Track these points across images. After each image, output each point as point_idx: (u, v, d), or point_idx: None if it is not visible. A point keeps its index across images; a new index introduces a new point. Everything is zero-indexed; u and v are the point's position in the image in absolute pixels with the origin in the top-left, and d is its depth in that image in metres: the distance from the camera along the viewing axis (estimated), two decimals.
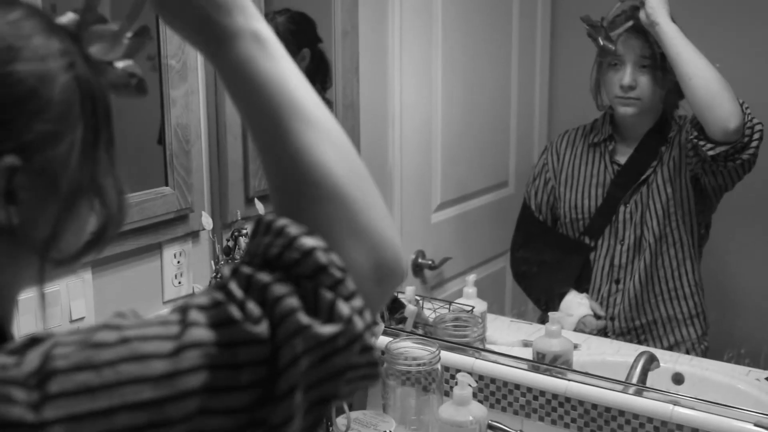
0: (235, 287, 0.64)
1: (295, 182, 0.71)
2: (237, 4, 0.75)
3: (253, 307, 0.63)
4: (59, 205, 0.70)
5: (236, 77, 0.74)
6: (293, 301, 0.63)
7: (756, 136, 1.79)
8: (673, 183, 1.96)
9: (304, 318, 0.63)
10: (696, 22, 2.07)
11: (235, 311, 0.62)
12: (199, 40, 0.76)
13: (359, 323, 0.65)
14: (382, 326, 1.64)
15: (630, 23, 1.92)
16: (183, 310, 0.65)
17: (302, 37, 2.08)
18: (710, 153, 1.81)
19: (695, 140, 1.82)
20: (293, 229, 0.67)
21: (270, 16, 2.00)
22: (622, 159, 2.04)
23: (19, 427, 0.58)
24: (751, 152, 1.80)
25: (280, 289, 0.63)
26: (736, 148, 1.79)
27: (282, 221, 0.68)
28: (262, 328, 0.62)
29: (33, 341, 0.63)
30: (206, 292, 0.65)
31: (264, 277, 0.64)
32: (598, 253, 2.04)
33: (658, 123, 2.01)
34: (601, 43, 1.94)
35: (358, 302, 0.66)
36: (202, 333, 0.62)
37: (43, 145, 0.68)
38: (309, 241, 0.66)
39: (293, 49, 2.03)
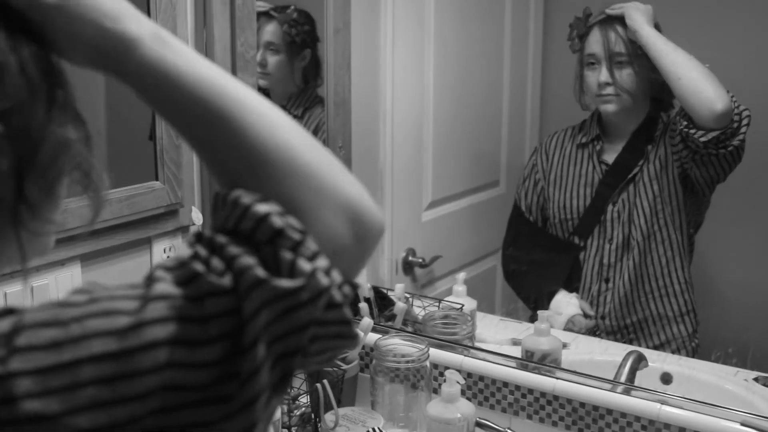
0: (200, 248, 0.65)
1: (251, 168, 0.71)
2: (126, 12, 0.73)
3: (216, 263, 0.64)
4: (35, 172, 0.70)
5: (149, 81, 0.73)
6: (249, 259, 0.64)
7: (744, 121, 1.80)
8: (660, 180, 1.96)
9: (260, 272, 0.64)
10: (688, 18, 2.08)
11: (198, 266, 0.64)
12: (99, 56, 0.73)
13: (324, 280, 0.66)
14: (371, 322, 1.64)
15: (601, 16, 1.97)
16: (149, 273, 0.66)
17: (305, 38, 2.10)
18: (702, 139, 1.81)
19: (685, 129, 1.83)
20: (246, 199, 0.67)
21: (278, 12, 2.02)
22: (609, 159, 2.05)
23: None
24: (741, 138, 1.80)
25: (236, 249, 0.64)
26: (726, 134, 1.79)
27: (235, 193, 0.68)
28: (226, 281, 0.63)
29: (8, 311, 0.64)
30: (172, 258, 0.66)
31: (222, 238, 0.65)
32: (588, 252, 2.05)
33: (645, 122, 2.01)
34: (570, 41, 1.99)
35: (322, 262, 0.67)
36: (167, 287, 0.63)
37: (18, 111, 0.68)
38: (262, 207, 0.67)
39: (296, 50, 2.05)
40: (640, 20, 1.89)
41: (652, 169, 1.98)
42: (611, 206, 2.02)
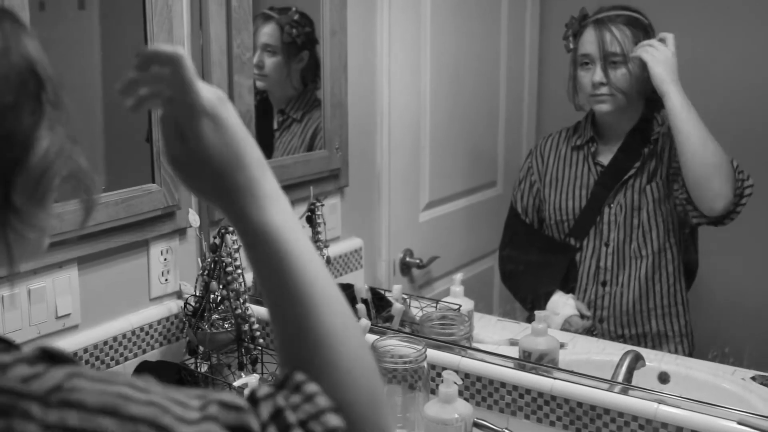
0: (264, 408, 0.69)
1: (311, 350, 0.76)
2: (264, 166, 0.80)
3: (272, 429, 0.68)
4: (23, 178, 0.71)
5: (264, 243, 0.77)
6: None
7: (743, 202, 1.85)
8: (657, 186, 1.96)
9: None
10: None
11: (254, 423, 0.67)
12: (220, 197, 0.79)
13: None
14: (368, 323, 1.64)
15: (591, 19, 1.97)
16: (204, 398, 0.67)
17: (305, 39, 2.10)
18: (694, 221, 1.91)
19: (684, 203, 1.89)
20: (322, 401, 0.72)
21: (276, 12, 2.02)
22: (604, 160, 2.04)
23: None
24: (733, 218, 1.86)
25: None
26: (720, 217, 1.86)
27: (313, 387, 0.72)
28: None
29: (49, 356, 0.64)
30: (231, 393, 0.69)
31: (292, 417, 0.69)
32: (584, 254, 2.04)
33: (640, 122, 2.01)
34: (565, 40, 1.98)
35: None
36: (215, 429, 0.64)
37: (1, 116, 0.69)
38: (334, 420, 0.71)
39: (294, 52, 2.04)
40: (666, 78, 1.85)
41: (648, 173, 1.98)
42: (608, 208, 2.01)
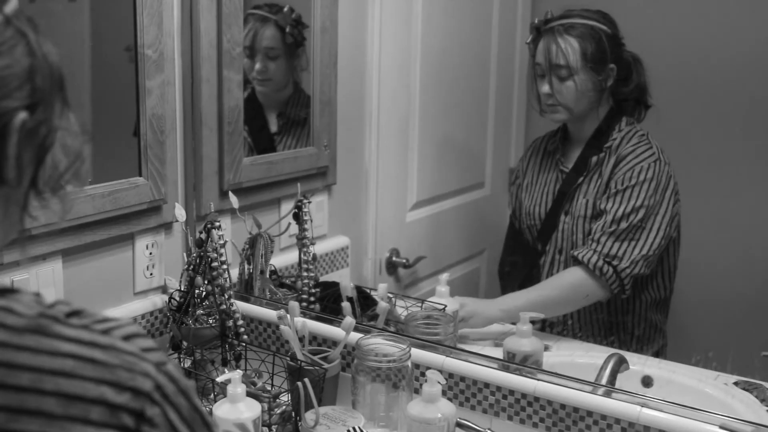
0: None
1: None
2: None
3: None
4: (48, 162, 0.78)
5: None
6: None
7: (627, 280, 1.86)
8: (586, 197, 1.96)
9: None
10: None
11: None
12: None
13: None
14: (353, 321, 1.64)
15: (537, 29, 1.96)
16: None
17: (302, 37, 2.09)
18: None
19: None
20: None
21: (271, 12, 2.01)
22: (569, 166, 2.04)
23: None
24: (627, 290, 1.88)
25: None
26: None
27: None
28: None
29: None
30: None
31: None
32: (545, 260, 2.04)
33: (597, 130, 1.98)
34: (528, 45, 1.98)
35: None
36: None
37: (42, 106, 0.75)
38: None
39: (294, 51, 2.03)
40: (490, 321, 1.90)
41: (591, 185, 1.96)
42: (563, 215, 2.01)
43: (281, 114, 2.13)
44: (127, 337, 0.74)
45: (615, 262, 1.84)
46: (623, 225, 1.85)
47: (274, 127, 2.12)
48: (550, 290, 1.91)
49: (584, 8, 1.94)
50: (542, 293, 1.89)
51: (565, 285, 1.90)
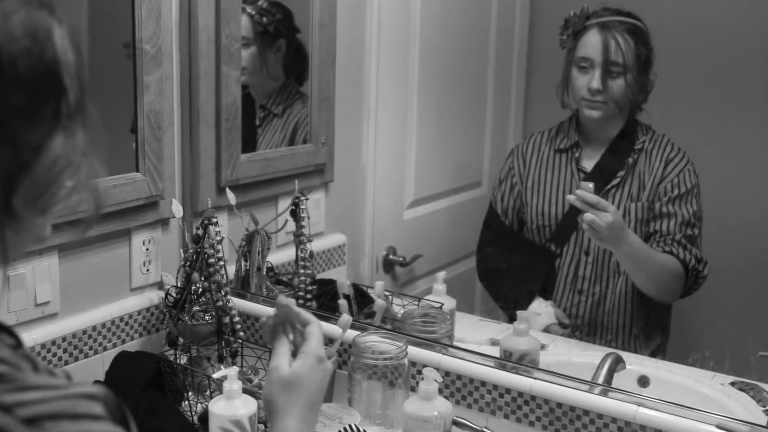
0: None
1: None
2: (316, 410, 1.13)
3: None
4: (27, 184, 0.71)
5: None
6: None
7: (696, 288, 1.93)
8: (641, 208, 1.95)
9: None
10: None
11: None
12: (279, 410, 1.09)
13: None
14: (350, 319, 1.63)
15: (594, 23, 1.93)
16: None
17: (279, 27, 2.07)
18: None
19: None
20: None
21: (247, 3, 1.99)
22: (588, 165, 2.02)
23: None
24: (691, 293, 1.94)
25: None
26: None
27: None
28: None
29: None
30: None
31: None
32: (563, 260, 2.02)
33: (624, 129, 1.98)
34: (562, 37, 1.96)
35: None
36: None
37: (12, 120, 0.68)
38: None
39: (270, 40, 2.01)
40: (613, 241, 1.84)
41: (632, 187, 1.96)
42: None
43: (262, 107, 2.12)
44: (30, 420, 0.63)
45: (700, 267, 1.91)
46: (695, 231, 1.92)
47: (257, 120, 2.11)
48: (661, 259, 1.90)
49: (618, 7, 1.94)
50: (656, 257, 1.90)
51: (669, 268, 1.89)
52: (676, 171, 1.92)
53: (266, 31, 2.04)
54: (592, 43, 1.93)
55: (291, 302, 1.17)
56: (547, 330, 1.97)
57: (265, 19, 2.03)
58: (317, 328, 1.15)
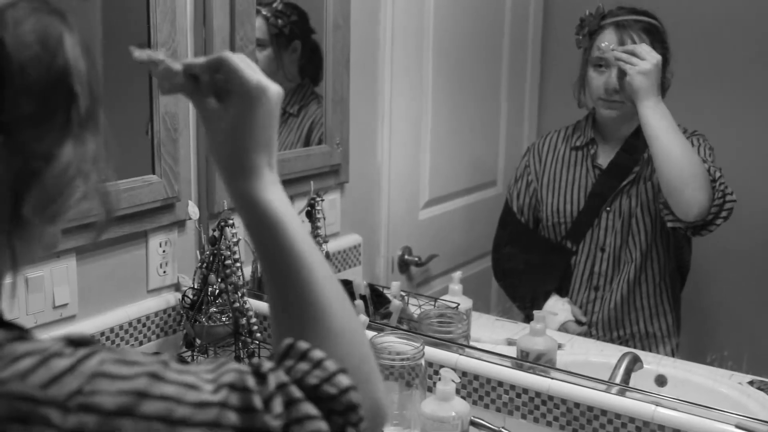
0: (271, 381, 0.70)
1: (304, 316, 0.79)
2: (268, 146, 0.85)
3: (277, 405, 0.68)
4: (37, 192, 0.70)
5: (265, 215, 0.82)
6: (323, 426, 0.70)
7: (723, 214, 1.82)
8: (649, 187, 1.95)
9: None
10: None
11: (258, 402, 0.68)
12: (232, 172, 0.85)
13: None
14: (367, 319, 1.64)
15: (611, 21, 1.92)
16: (215, 382, 0.68)
17: (293, 28, 2.07)
18: (669, 224, 1.87)
19: (662, 206, 1.87)
20: (331, 365, 0.73)
21: (262, 5, 1.99)
22: (603, 163, 2.02)
23: None
24: (712, 229, 1.83)
25: (312, 409, 0.70)
26: (696, 226, 1.83)
27: (319, 353, 0.74)
28: (277, 424, 0.68)
29: (78, 344, 0.66)
30: (241, 372, 0.70)
31: (297, 392, 0.70)
32: (579, 258, 2.03)
33: (640, 126, 1.95)
34: (578, 36, 1.95)
35: None
36: (230, 416, 0.66)
37: (23, 126, 0.68)
38: (345, 380, 0.73)
39: (285, 42, 2.02)
40: (643, 90, 1.83)
41: (648, 183, 1.96)
42: (605, 213, 2.00)
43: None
44: None
45: (729, 191, 1.82)
46: (717, 172, 1.85)
47: None
48: (688, 143, 1.86)
49: (633, 6, 1.94)
50: (683, 136, 1.85)
51: (696, 158, 1.83)
52: (699, 147, 1.91)
53: (281, 33, 2.05)
54: (608, 43, 1.92)
55: (153, 55, 0.88)
56: (563, 327, 1.97)
57: (280, 21, 2.03)
58: (231, 56, 0.84)
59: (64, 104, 0.71)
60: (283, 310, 0.81)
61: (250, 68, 0.83)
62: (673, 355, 1.98)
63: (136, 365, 0.66)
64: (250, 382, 0.69)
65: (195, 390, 0.66)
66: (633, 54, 1.84)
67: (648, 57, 1.83)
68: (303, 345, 0.75)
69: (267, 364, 0.72)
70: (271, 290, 0.82)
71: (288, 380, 0.71)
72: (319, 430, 0.69)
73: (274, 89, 0.84)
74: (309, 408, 0.70)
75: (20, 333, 0.66)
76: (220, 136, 0.85)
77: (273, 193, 0.84)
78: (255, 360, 0.74)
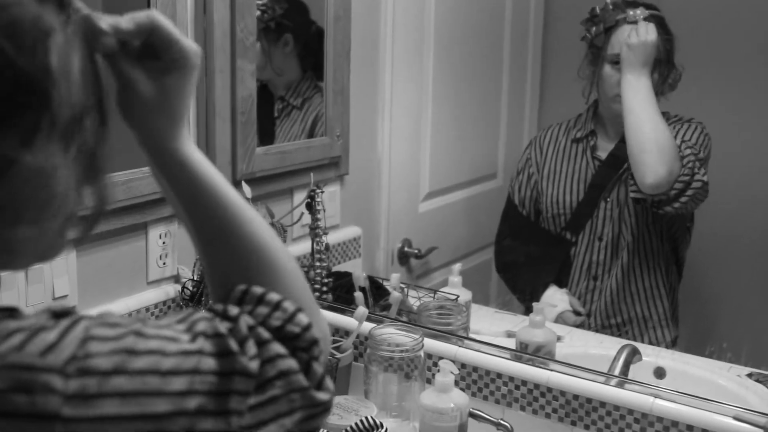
0: (242, 324, 0.72)
1: (252, 261, 0.81)
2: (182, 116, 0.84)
3: (251, 347, 0.71)
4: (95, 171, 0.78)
5: (190, 175, 0.82)
6: (293, 363, 0.73)
7: (689, 192, 1.83)
8: None
9: (303, 380, 0.74)
10: None
11: (233, 344, 0.70)
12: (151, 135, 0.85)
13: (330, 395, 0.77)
14: (366, 311, 1.64)
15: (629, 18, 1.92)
16: (191, 331, 0.70)
17: (282, 22, 2.06)
18: (631, 195, 1.90)
19: (630, 178, 1.89)
20: (289, 305, 0.77)
21: None
22: (603, 154, 2.04)
23: (52, 419, 0.60)
24: (677, 207, 1.84)
25: (280, 348, 0.73)
26: (655, 201, 1.85)
27: (275, 295, 0.77)
28: (255, 365, 0.70)
29: (59, 316, 0.66)
30: (210, 319, 0.72)
31: (265, 333, 0.73)
32: (578, 249, 2.04)
33: None
34: (591, 36, 1.94)
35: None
36: (209, 362, 0.68)
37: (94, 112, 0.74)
38: (305, 318, 0.77)
39: (273, 36, 2.01)
40: (630, 62, 1.86)
41: None
42: (604, 203, 2.01)
43: (281, 98, 2.12)
44: None
45: (700, 174, 1.85)
46: (699, 157, 1.88)
47: (275, 112, 2.12)
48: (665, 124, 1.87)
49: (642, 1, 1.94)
50: (662, 117, 1.87)
51: (671, 137, 1.86)
52: (687, 130, 1.93)
53: (268, 27, 2.04)
54: (621, 39, 1.91)
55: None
56: (560, 318, 1.97)
57: (266, 15, 2.02)
58: (162, 21, 0.84)
59: (33, 108, 0.66)
60: (230, 261, 0.81)
61: (180, 33, 0.83)
62: (671, 345, 1.99)
63: (119, 326, 0.67)
64: (222, 327, 0.71)
65: (174, 342, 0.68)
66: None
67: (642, 34, 1.84)
68: (258, 290, 0.77)
69: (234, 309, 0.74)
70: (210, 244, 0.83)
71: (255, 323, 0.73)
72: (290, 368, 0.73)
73: (200, 52, 0.84)
74: (278, 347, 0.73)
75: (10, 312, 0.67)
76: (149, 102, 0.82)
77: (199, 152, 0.85)
78: (217, 306, 0.75)
